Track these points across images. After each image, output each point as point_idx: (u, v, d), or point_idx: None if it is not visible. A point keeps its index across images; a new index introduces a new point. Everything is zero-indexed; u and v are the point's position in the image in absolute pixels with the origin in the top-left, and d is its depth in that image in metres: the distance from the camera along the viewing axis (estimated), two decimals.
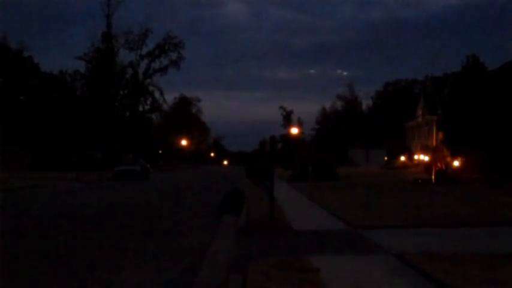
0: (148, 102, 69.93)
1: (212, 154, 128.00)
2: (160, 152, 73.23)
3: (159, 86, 69.35)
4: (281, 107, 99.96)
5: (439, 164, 31.26)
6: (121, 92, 67.23)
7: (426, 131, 58.98)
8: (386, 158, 64.12)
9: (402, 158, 62.13)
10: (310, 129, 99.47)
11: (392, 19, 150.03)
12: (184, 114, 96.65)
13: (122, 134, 60.48)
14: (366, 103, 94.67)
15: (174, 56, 68.63)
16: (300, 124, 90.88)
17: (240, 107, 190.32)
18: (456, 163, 36.25)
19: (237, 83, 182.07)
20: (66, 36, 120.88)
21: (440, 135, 42.05)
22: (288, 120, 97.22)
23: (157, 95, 69.63)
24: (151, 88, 69.08)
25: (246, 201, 15.27)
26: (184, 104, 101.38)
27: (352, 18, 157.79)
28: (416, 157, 58.46)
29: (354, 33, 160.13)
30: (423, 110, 60.31)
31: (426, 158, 44.42)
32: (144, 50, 66.96)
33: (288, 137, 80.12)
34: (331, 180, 30.64)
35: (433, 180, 27.58)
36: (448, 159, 35.50)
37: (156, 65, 68.19)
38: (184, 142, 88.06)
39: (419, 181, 28.38)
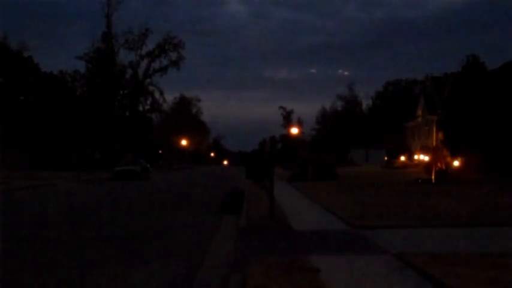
0: (148, 102, 69.84)
1: (212, 154, 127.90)
2: (160, 152, 73.16)
3: (159, 86, 69.29)
4: (281, 107, 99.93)
5: (439, 164, 31.25)
6: (121, 92, 67.07)
7: (426, 131, 58.97)
8: (386, 158, 64.05)
9: (402, 158, 62.09)
10: (310, 129, 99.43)
11: (392, 19, 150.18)
12: (184, 114, 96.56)
13: (122, 134, 60.42)
14: (366, 103, 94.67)
15: (174, 56, 68.51)
16: (300, 124, 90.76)
17: (240, 107, 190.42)
18: (456, 163, 36.24)
19: (237, 83, 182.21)
20: (66, 36, 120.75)
21: (440, 135, 42.04)
22: (288, 120, 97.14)
23: (157, 95, 69.56)
24: (151, 88, 69.01)
25: (246, 201, 15.28)
26: (184, 104, 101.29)
27: (353, 18, 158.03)
28: (416, 157, 58.44)
29: (354, 33, 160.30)
30: (423, 110, 60.31)
31: (426, 158, 44.35)
32: (144, 50, 66.84)
33: (288, 137, 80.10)
34: (331, 180, 30.63)
35: (433, 180, 27.57)
36: (448, 159, 35.48)
37: (156, 65, 68.12)
38: (184, 142, 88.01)
39: (420, 181, 28.38)
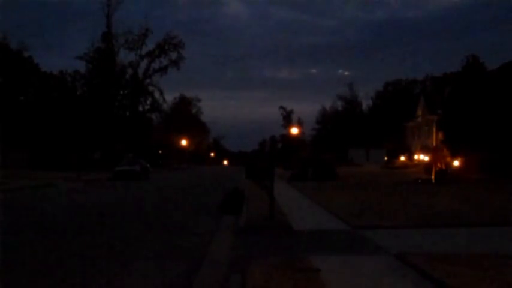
0: (148, 102, 69.89)
1: (212, 154, 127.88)
2: (160, 152, 73.15)
3: (159, 86, 69.34)
4: (281, 107, 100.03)
5: (439, 164, 31.27)
6: (121, 92, 67.10)
7: (426, 131, 59.01)
8: (386, 158, 64.11)
9: (402, 158, 62.14)
10: (310, 129, 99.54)
11: (392, 19, 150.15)
12: (184, 114, 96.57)
13: (122, 134, 60.42)
14: (366, 103, 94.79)
15: (174, 56, 68.57)
16: (300, 124, 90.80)
17: (240, 107, 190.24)
18: (456, 163, 36.27)
19: (237, 83, 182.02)
20: (66, 36, 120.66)
21: (440, 135, 42.08)
22: (288, 120, 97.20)
23: (157, 95, 69.60)
24: (151, 88, 69.05)
25: (246, 201, 15.27)
26: (184, 104, 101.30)
27: (353, 18, 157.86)
28: (416, 157, 58.48)
29: (354, 33, 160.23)
30: (423, 110, 60.34)
31: (426, 158, 44.41)
32: (144, 50, 66.91)
33: (288, 137, 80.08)
34: (331, 180, 30.64)
35: (433, 180, 27.58)
36: (448, 159, 35.51)
37: (156, 65, 68.15)
38: (184, 142, 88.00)
39: (420, 181, 28.39)
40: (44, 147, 51.27)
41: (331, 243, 8.68)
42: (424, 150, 51.26)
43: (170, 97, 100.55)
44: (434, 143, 48.84)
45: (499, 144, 30.12)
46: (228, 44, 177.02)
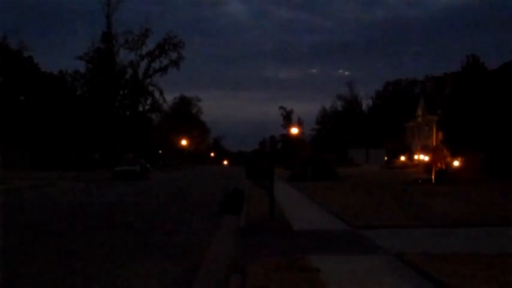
0: (148, 102, 69.83)
1: (212, 154, 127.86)
2: (160, 152, 73.16)
3: (159, 86, 69.31)
4: (281, 107, 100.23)
5: (439, 164, 31.27)
6: (121, 92, 67.06)
7: (426, 131, 59.04)
8: (386, 158, 64.11)
9: (402, 158, 62.16)
10: (310, 129, 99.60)
11: (392, 19, 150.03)
12: (184, 114, 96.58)
13: (122, 134, 60.40)
14: (366, 103, 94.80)
15: (174, 56, 68.49)
16: (300, 124, 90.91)
17: (240, 107, 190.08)
18: (456, 163, 36.27)
19: (237, 83, 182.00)
20: (66, 36, 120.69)
21: (440, 135, 42.11)
22: (288, 120, 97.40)
23: (157, 95, 69.54)
24: (151, 88, 68.99)
25: (246, 201, 15.28)
26: (184, 104, 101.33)
27: (353, 18, 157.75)
28: (416, 157, 58.49)
29: (354, 33, 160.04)
30: (423, 110, 60.35)
31: (426, 158, 44.40)
32: (144, 50, 66.84)
33: (288, 137, 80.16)
34: (331, 180, 30.63)
35: (433, 180, 27.58)
36: (448, 159, 35.51)
37: (156, 65, 68.07)
38: (184, 142, 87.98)
39: (420, 181, 28.39)
40: (44, 147, 51.25)
41: (331, 243, 8.69)
42: (424, 150, 51.26)
43: (170, 97, 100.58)
44: (434, 143, 48.86)
45: (499, 144, 30.13)
46: (228, 44, 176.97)
